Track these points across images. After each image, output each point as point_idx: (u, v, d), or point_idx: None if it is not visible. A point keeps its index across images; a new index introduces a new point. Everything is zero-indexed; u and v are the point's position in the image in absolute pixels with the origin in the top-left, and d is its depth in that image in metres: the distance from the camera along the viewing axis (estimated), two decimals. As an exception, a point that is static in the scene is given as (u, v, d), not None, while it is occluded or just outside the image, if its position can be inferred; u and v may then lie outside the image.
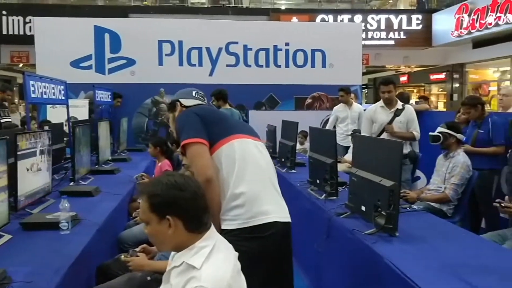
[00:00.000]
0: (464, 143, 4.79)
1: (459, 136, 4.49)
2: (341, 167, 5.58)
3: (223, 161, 2.31)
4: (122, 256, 2.60)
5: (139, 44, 8.55)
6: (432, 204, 4.34)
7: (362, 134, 5.39)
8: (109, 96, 7.66)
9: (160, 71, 8.60)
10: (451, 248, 2.60)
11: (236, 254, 1.62)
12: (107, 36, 8.51)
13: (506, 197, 3.48)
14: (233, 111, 6.67)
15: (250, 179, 2.31)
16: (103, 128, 5.56)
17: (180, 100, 2.64)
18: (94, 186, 4.03)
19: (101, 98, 7.14)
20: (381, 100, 5.47)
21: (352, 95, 8.09)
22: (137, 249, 2.62)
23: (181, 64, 8.68)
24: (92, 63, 8.50)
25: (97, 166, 5.19)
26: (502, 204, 3.41)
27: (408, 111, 5.42)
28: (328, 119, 8.14)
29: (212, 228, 1.61)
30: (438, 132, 4.52)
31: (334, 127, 7.62)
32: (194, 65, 8.67)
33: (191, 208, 1.54)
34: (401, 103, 5.50)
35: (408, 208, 3.55)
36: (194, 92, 2.69)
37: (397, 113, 5.38)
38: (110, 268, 2.77)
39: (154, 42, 8.61)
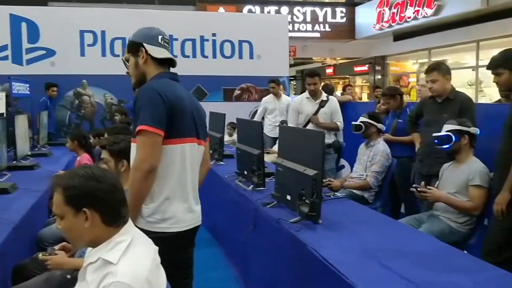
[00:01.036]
0: (384, 132, 4.99)
1: (379, 125, 4.67)
2: (269, 158, 5.64)
3: (164, 159, 2.16)
4: (40, 255, 2.50)
5: (59, 34, 8.23)
6: (355, 191, 4.49)
7: (289, 125, 5.46)
8: (27, 88, 7.32)
9: (82, 62, 8.34)
10: (371, 233, 2.69)
11: (156, 248, 1.59)
12: (24, 25, 8.15)
13: (423, 183, 3.66)
14: None
15: (173, 188, 2.19)
16: (21, 122, 5.28)
17: (146, 45, 2.30)
18: (10, 182, 3.85)
19: (18, 91, 6.80)
20: (307, 92, 5.58)
21: (281, 86, 8.19)
22: (56, 247, 2.52)
23: (104, 54, 8.43)
24: (8, 54, 8.12)
25: (14, 162, 4.94)
26: (418, 189, 3.59)
27: (332, 103, 5.56)
28: (256, 111, 8.20)
29: (130, 222, 1.57)
30: (360, 122, 4.67)
31: (263, 118, 7.68)
32: (118, 55, 8.42)
33: (109, 201, 1.49)
34: (326, 95, 5.63)
35: (331, 196, 3.66)
36: (160, 38, 2.34)
37: (322, 104, 5.50)
38: (27, 267, 2.65)
39: (75, 32, 8.31)
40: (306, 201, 2.81)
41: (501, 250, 3.01)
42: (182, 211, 2.23)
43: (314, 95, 5.52)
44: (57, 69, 8.21)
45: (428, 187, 3.59)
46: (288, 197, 3.09)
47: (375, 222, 3.00)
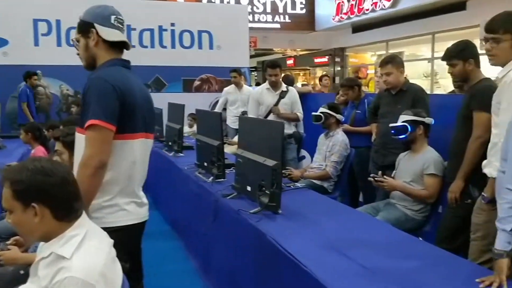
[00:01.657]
0: (343, 123, 5.05)
1: (338, 116, 4.72)
2: (230, 149, 5.63)
3: (115, 154, 2.09)
4: (-9, 251, 2.41)
5: (11, 23, 7.90)
6: (314, 181, 4.54)
7: (250, 115, 5.46)
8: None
9: (36, 52, 8.04)
10: (330, 222, 2.72)
11: (111, 241, 1.56)
12: (-27, 14, 7.81)
13: (380, 172, 3.73)
14: None
15: (123, 184, 2.13)
16: (-29, 114, 5.11)
17: (97, 26, 2.15)
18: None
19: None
20: (267, 82, 5.58)
21: (242, 77, 8.15)
22: (8, 242, 2.44)
23: (59, 44, 8.17)
24: (-44, 43, 7.80)
25: (-36, 155, 4.77)
26: (376, 178, 3.66)
27: (292, 93, 5.60)
28: (217, 101, 8.15)
29: (84, 216, 1.53)
30: (320, 113, 4.71)
31: (224, 109, 7.64)
32: (73, 45, 8.21)
33: (59, 195, 1.45)
34: (285, 86, 5.65)
35: (291, 186, 3.68)
36: (113, 18, 2.19)
37: (282, 95, 5.52)
38: (-22, 265, 2.55)
39: (28, 21, 8.00)
40: (266, 191, 2.81)
41: (454, 237, 3.09)
42: (133, 206, 2.18)
43: (274, 86, 5.53)
44: (10, 59, 7.90)
45: (384, 176, 3.66)
46: (248, 188, 3.10)
47: (334, 211, 3.04)
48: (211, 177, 3.78)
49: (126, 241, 1.69)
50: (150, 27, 8.65)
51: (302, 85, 9.74)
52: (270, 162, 2.79)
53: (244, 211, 2.86)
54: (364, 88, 7.37)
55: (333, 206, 3.21)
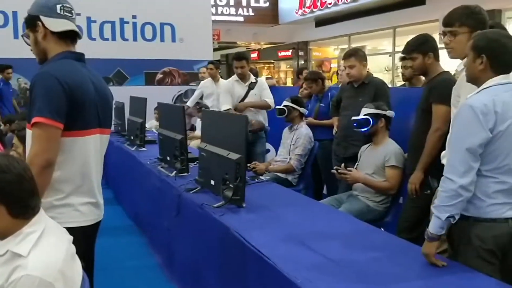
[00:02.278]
0: (307, 116, 5.08)
1: (301, 109, 4.75)
2: (196, 143, 5.60)
3: (66, 152, 2.02)
4: None
5: (-35, 14, 7.66)
6: (279, 174, 4.57)
7: (223, 107, 5.43)
8: None
9: (-8, 44, 7.82)
10: (294, 215, 2.74)
11: (70, 238, 1.52)
12: None
13: (343, 165, 3.77)
14: None
15: (76, 183, 2.07)
16: None
17: (42, 18, 2.05)
18: None
19: None
20: (235, 75, 5.58)
21: (204, 69, 8.09)
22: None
23: (16, 37, 7.91)
24: None
25: None
26: (339, 171, 3.70)
27: (261, 83, 5.62)
28: (180, 95, 8.07)
29: (42, 212, 1.49)
30: (283, 106, 4.73)
31: (198, 103, 7.53)
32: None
33: (15, 192, 1.40)
34: (254, 77, 5.66)
35: (256, 180, 3.68)
36: (59, 7, 2.07)
37: (251, 86, 5.52)
38: None
39: (-17, 12, 7.77)
40: (230, 185, 2.80)
41: (414, 227, 3.14)
42: (87, 207, 2.12)
43: (242, 78, 5.53)
44: (-36, 51, 7.67)
45: (348, 168, 3.71)
46: (212, 182, 3.08)
47: (298, 204, 3.05)
48: (174, 171, 3.75)
49: (79, 242, 1.64)
50: (111, 19, 8.48)
51: (266, 78, 9.72)
52: (234, 156, 2.78)
53: (208, 205, 2.84)
54: (327, 82, 7.42)
55: (297, 199, 3.22)
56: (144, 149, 5.11)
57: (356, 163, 3.87)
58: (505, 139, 1.98)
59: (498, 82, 2.03)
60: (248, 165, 4.34)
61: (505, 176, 2.01)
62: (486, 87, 2.03)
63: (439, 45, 3.16)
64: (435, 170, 2.96)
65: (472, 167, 1.96)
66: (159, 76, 8.95)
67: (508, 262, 2.05)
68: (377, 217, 3.60)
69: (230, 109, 5.34)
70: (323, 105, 5.32)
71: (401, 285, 1.83)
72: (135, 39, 8.65)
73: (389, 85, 5.13)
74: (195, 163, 3.85)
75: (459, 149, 1.98)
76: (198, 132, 6.67)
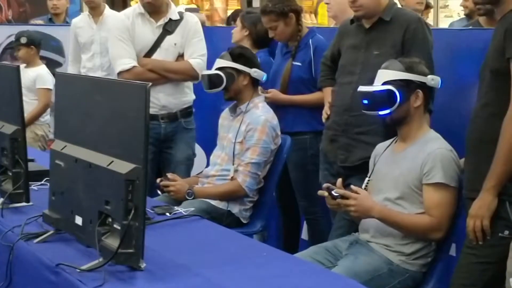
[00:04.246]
0: (265, 86, 5.19)
1: (253, 72, 4.76)
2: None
3: None
4: None
5: None
6: (213, 203, 4.58)
7: (122, 64, 5.52)
8: None
9: None
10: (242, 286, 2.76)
11: None
12: None
13: (339, 180, 3.76)
14: None
15: None
16: None
17: None
18: None
19: None
20: (138, 4, 5.72)
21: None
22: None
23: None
24: None
25: None
26: (333, 192, 3.67)
27: (189, 25, 5.76)
28: (11, 43, 8.23)
29: None
30: (216, 70, 4.80)
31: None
32: None
33: None
34: (176, 10, 5.87)
35: (167, 214, 3.70)
36: None
37: (169, 27, 5.67)
38: None
39: None
40: (115, 226, 2.78)
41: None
42: None
43: (154, 11, 5.58)
44: None
45: (352, 187, 3.70)
46: (78, 220, 3.04)
47: (251, 263, 3.04)
48: (0, 200, 3.72)
49: None
50: None
51: (187, 9, 9.69)
52: (124, 167, 2.75)
53: (70, 266, 2.80)
54: (307, 18, 7.45)
55: (249, 252, 3.23)
56: None
57: (367, 178, 3.89)
58: None
59: None
60: (158, 181, 4.52)
61: None
62: None
63: None
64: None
65: None
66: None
67: None
68: (409, 284, 3.64)
69: (133, 68, 5.41)
70: (298, 64, 5.33)
71: None
72: None
73: (431, 25, 5.18)
74: (43, 182, 3.86)
75: None
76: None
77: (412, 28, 4.16)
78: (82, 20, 7.42)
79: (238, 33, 5.99)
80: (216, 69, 4.76)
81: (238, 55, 4.80)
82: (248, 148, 4.58)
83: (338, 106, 4.41)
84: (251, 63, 4.78)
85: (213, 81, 4.75)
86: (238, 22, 6.08)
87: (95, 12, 7.33)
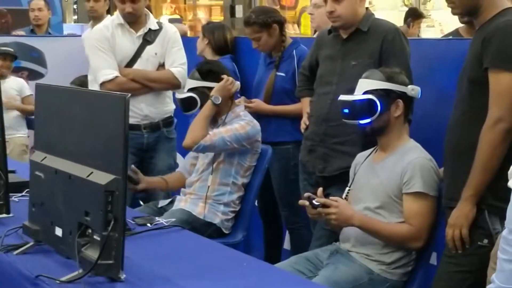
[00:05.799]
0: (247, 97, 5.18)
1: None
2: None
3: None
4: None
5: None
6: (195, 213, 4.58)
7: (105, 75, 5.49)
8: None
9: None
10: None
11: None
12: None
13: (320, 189, 3.76)
14: None
15: None
16: None
17: None
18: None
19: None
20: (117, 15, 5.75)
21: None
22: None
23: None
24: None
25: None
26: (314, 201, 3.67)
27: (168, 35, 5.77)
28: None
29: None
30: (189, 92, 4.84)
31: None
32: None
33: None
34: (155, 20, 5.91)
35: (148, 225, 3.69)
36: None
37: (149, 37, 5.68)
38: None
39: None
40: (95, 237, 2.79)
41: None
42: None
43: (133, 21, 5.58)
44: None
45: (331, 198, 3.71)
46: (58, 232, 3.05)
47: (232, 274, 3.05)
48: None
49: None
50: None
51: (170, 20, 9.72)
52: (103, 178, 2.76)
53: (49, 278, 2.80)
54: (289, 28, 7.47)
55: (229, 264, 3.23)
56: None
57: (347, 188, 3.91)
58: None
59: None
60: (139, 191, 4.56)
61: None
62: None
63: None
64: (497, 199, 3.00)
65: None
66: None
67: None
68: (388, 294, 3.64)
69: (115, 78, 5.44)
70: (282, 74, 5.36)
71: None
72: None
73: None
74: (24, 193, 3.85)
75: None
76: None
77: (390, 39, 4.19)
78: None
79: (200, 44, 6.16)
80: (189, 90, 4.79)
81: (207, 72, 4.84)
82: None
83: (316, 116, 4.44)
84: (217, 76, 4.80)
85: (188, 103, 4.80)
86: (200, 33, 6.23)
87: (97, 23, 7.25)
